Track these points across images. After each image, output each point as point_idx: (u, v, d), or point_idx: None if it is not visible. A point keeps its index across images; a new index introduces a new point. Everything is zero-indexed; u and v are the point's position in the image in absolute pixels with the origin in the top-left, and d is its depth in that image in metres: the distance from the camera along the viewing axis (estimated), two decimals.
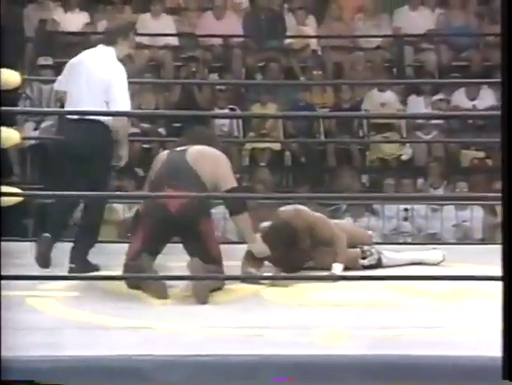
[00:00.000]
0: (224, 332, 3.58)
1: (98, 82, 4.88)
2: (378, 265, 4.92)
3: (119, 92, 4.87)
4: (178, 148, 4.71)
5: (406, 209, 8.06)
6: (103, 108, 4.83)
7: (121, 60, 5.05)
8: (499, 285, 3.98)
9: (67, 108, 5.04)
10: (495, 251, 5.42)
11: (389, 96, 8.98)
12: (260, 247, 4.69)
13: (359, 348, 3.35)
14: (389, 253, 5.01)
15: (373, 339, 3.45)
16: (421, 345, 3.38)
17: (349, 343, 3.42)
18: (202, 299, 4.16)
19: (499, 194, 3.15)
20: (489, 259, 5.08)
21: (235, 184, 4.63)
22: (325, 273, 4.60)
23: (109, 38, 5.02)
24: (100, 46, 5.04)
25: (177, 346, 3.39)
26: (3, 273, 3.36)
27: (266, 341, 3.45)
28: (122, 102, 4.83)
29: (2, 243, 4.10)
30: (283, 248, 4.73)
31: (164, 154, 4.76)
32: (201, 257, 4.43)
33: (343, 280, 4.38)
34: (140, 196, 4.78)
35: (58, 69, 8.91)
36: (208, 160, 4.60)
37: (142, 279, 4.29)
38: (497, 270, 4.61)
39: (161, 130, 8.77)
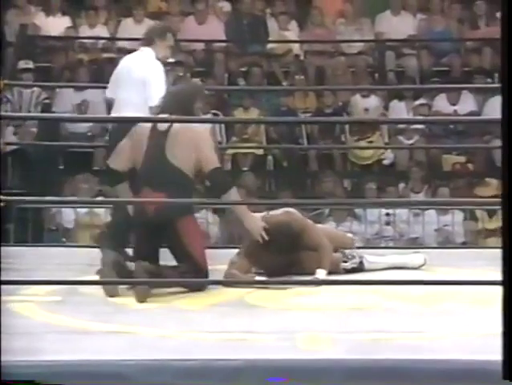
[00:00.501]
0: (207, 336, 3.58)
1: (136, 82, 4.94)
2: (360, 268, 4.92)
3: (155, 90, 4.87)
4: (156, 130, 4.52)
5: (388, 214, 8.08)
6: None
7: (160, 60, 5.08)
8: (480, 289, 4.04)
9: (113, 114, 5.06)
10: (476, 255, 5.49)
11: (373, 101, 9.01)
12: (256, 223, 4.63)
13: (342, 352, 3.35)
14: (371, 257, 5.02)
15: (355, 343, 3.46)
16: (403, 349, 3.38)
17: (332, 347, 3.41)
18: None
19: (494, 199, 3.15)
20: (471, 263, 5.14)
21: (217, 165, 4.55)
22: (308, 278, 4.60)
23: (148, 40, 5.11)
24: (140, 49, 5.13)
25: (161, 351, 3.38)
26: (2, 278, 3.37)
27: (249, 345, 3.45)
28: (158, 99, 4.81)
29: None
30: (275, 251, 4.72)
31: (144, 137, 4.54)
32: (181, 258, 4.41)
33: (326, 284, 4.38)
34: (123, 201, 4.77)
35: (38, 73, 8.94)
36: (188, 146, 4.48)
37: (126, 284, 4.28)
38: (479, 274, 4.70)
39: None
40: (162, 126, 4.55)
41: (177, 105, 4.57)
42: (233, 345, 3.46)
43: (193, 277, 4.39)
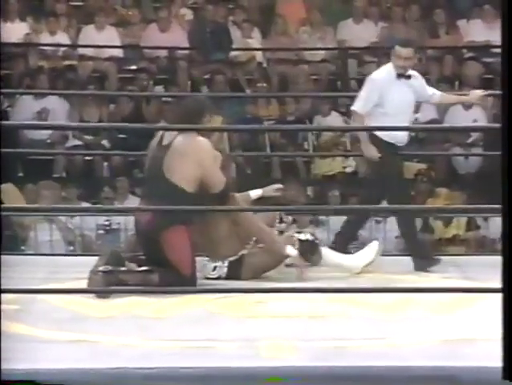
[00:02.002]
0: (169, 345, 3.56)
1: None
2: (315, 247, 4.88)
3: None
4: (161, 144, 4.57)
5: None
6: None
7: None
8: (441, 296, 4.06)
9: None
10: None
11: (333, 119, 9.03)
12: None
13: (305, 360, 3.35)
14: (326, 250, 5.00)
15: (318, 351, 3.45)
16: (366, 356, 3.39)
17: (294, 355, 3.41)
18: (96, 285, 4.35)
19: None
20: (432, 270, 5.16)
21: (224, 182, 4.53)
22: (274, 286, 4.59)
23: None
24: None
25: (122, 359, 3.36)
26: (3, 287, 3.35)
27: (211, 353, 3.44)
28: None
29: None
30: None
31: (151, 150, 4.63)
32: (162, 265, 4.45)
33: (290, 292, 4.37)
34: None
35: None
36: (189, 161, 4.46)
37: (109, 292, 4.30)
38: (441, 281, 4.72)
39: (105, 142, 8.72)
40: (166, 140, 4.54)
41: (184, 119, 4.55)
42: (195, 353, 3.44)
43: (173, 282, 4.41)
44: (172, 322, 4.01)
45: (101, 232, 7.85)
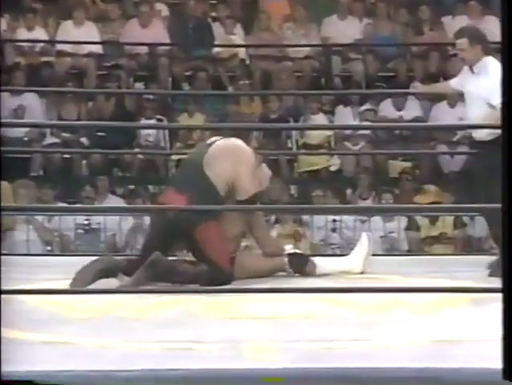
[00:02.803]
0: (150, 346, 3.49)
1: None
2: (302, 257, 4.85)
3: None
4: (206, 142, 4.68)
5: (334, 220, 8.07)
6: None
7: None
8: (426, 297, 4.01)
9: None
10: (422, 262, 5.47)
11: (320, 118, 8.99)
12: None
13: (288, 361, 3.29)
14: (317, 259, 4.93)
15: (302, 352, 3.40)
16: (350, 357, 3.34)
17: (278, 356, 3.35)
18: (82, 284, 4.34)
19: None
20: (416, 270, 5.10)
21: (254, 191, 4.55)
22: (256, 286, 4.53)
23: None
24: None
25: (101, 361, 3.28)
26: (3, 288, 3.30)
27: (193, 355, 3.38)
28: None
29: None
30: None
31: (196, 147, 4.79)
32: (201, 262, 4.49)
33: (274, 292, 4.30)
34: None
35: None
36: (225, 162, 4.52)
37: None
38: (425, 281, 4.67)
39: (84, 140, 8.65)
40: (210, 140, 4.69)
41: None
42: (177, 354, 3.39)
43: (212, 276, 4.45)
44: (153, 323, 3.94)
45: (80, 231, 7.77)
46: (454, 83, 5.35)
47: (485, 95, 5.13)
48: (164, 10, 9.70)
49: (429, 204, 7.99)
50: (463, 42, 5.15)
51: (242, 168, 4.54)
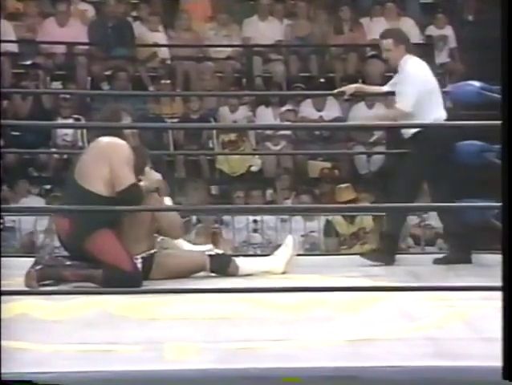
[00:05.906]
0: (68, 348, 3.43)
1: None
2: (225, 257, 4.86)
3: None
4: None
5: (255, 221, 8.08)
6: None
7: None
8: (347, 295, 4.03)
9: None
10: (342, 262, 5.51)
11: (241, 113, 8.98)
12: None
13: (209, 362, 3.27)
14: (239, 259, 4.93)
15: (223, 353, 3.39)
16: (271, 357, 3.33)
17: (199, 357, 3.33)
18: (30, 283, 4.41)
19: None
20: (337, 269, 5.14)
21: (132, 181, 4.49)
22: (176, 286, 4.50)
23: None
24: None
25: (18, 364, 3.20)
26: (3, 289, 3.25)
27: (113, 356, 3.33)
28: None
29: None
30: None
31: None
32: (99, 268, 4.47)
33: (195, 292, 4.27)
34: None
35: None
36: (96, 161, 4.48)
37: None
38: (347, 281, 4.69)
39: None
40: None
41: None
42: (96, 356, 3.33)
43: (109, 279, 4.44)
44: (71, 324, 3.88)
45: None
46: (386, 87, 5.47)
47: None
48: (90, 9, 9.58)
49: (346, 202, 8.07)
50: (389, 42, 5.27)
51: (115, 160, 4.48)
